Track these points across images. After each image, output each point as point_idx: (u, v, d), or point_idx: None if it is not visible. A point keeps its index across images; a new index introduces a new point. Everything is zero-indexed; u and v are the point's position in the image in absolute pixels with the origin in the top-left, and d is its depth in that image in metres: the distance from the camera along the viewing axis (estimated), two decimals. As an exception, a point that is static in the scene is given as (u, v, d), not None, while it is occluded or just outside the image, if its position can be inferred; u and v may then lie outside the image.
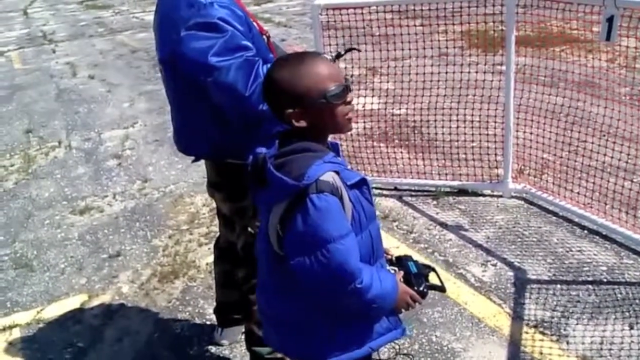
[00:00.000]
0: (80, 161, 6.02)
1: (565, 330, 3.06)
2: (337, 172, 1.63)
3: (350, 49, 2.65)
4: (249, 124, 2.27)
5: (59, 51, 12.03)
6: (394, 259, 1.98)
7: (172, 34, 2.24)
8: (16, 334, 3.48)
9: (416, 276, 1.90)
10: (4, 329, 3.52)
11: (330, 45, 4.62)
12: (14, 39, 14.23)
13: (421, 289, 1.88)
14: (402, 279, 1.87)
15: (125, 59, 10.65)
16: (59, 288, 3.88)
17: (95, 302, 3.69)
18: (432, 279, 1.96)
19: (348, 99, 1.70)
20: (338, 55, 2.58)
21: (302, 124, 1.66)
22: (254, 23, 2.38)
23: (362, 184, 1.71)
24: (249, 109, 2.20)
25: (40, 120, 7.52)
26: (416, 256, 2.03)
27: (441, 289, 1.99)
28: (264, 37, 2.43)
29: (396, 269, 1.92)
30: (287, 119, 1.66)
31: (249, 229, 2.59)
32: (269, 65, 2.20)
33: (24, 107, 8.20)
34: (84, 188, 5.37)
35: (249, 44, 2.22)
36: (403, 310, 1.87)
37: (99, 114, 7.56)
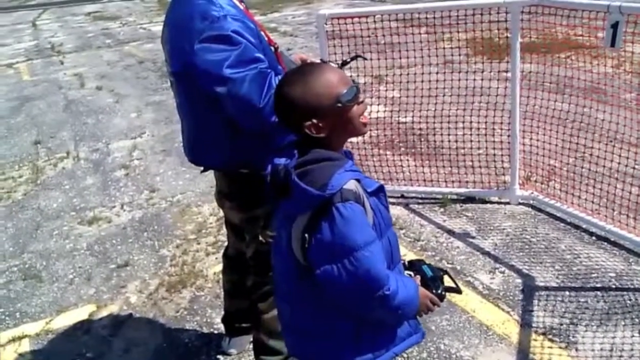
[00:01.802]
0: (89, 172, 6.06)
1: (574, 337, 3.04)
2: (358, 180, 1.65)
3: (355, 57, 2.66)
4: (261, 135, 2.28)
5: (67, 62, 12.11)
6: (406, 263, 1.98)
7: (185, 46, 2.24)
8: (25, 344, 3.49)
9: (432, 280, 1.90)
10: (13, 340, 3.53)
11: (335, 54, 4.65)
12: (23, 50, 14.35)
13: (439, 292, 1.89)
14: (419, 283, 1.87)
15: (132, 70, 10.71)
16: (68, 298, 3.90)
17: (104, 313, 3.71)
18: (446, 281, 1.96)
19: (361, 99, 1.73)
20: (344, 63, 2.59)
21: (322, 133, 1.67)
22: (264, 34, 2.39)
23: (379, 191, 1.74)
24: (262, 120, 2.21)
25: (49, 131, 7.58)
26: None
27: (457, 290, 2.00)
28: (272, 48, 2.45)
29: (411, 273, 1.93)
30: (306, 132, 1.67)
31: (260, 238, 2.59)
32: (279, 77, 2.22)
33: (33, 119, 8.26)
34: (92, 198, 5.40)
35: (261, 55, 2.23)
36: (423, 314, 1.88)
37: (106, 125, 7.60)
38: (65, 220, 5.03)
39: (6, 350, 3.46)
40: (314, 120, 1.66)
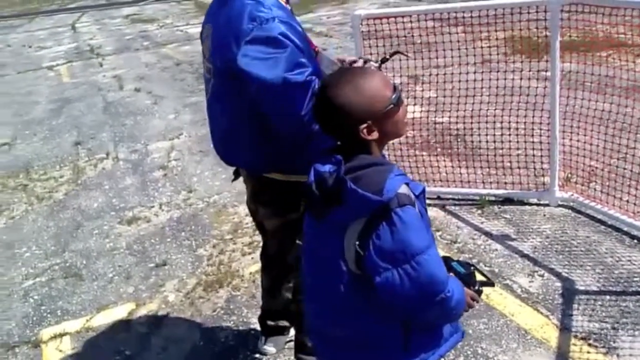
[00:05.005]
0: (128, 172, 6.16)
1: (615, 342, 2.98)
2: (407, 184, 1.64)
3: (395, 53, 2.64)
4: (294, 140, 2.28)
5: (106, 65, 12.33)
6: None
7: (230, 45, 2.23)
8: (66, 341, 3.57)
9: (467, 276, 1.88)
10: (54, 337, 3.61)
11: (371, 54, 4.63)
12: (63, 53, 14.65)
13: (477, 287, 1.87)
14: None
15: (170, 72, 10.85)
16: (107, 297, 3.97)
17: (143, 311, 3.76)
18: (477, 276, 1.94)
19: (403, 100, 1.74)
20: (384, 60, 2.57)
21: (374, 135, 1.67)
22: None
23: (422, 194, 1.72)
24: (301, 128, 2.20)
25: (89, 132, 7.72)
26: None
27: (490, 283, 1.98)
28: (314, 51, 2.44)
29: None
30: (356, 136, 1.66)
31: (298, 241, 2.58)
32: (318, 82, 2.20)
33: (73, 120, 8.43)
34: (131, 199, 5.49)
35: (305, 61, 2.20)
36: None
37: (145, 126, 7.72)
38: (105, 219, 5.12)
39: (48, 347, 3.54)
40: (367, 123, 1.65)
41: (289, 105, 2.17)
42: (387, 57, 2.58)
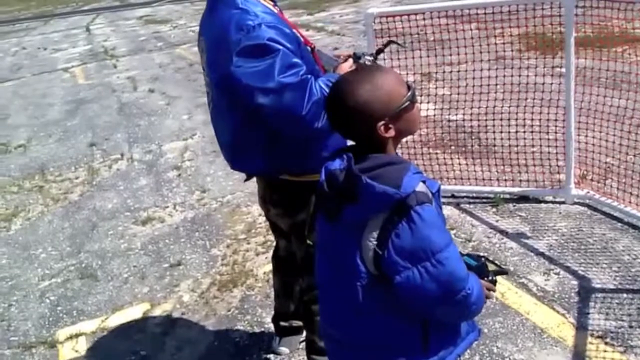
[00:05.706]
0: (142, 173, 6.19)
1: (632, 341, 2.94)
2: (424, 182, 1.63)
3: (389, 43, 2.62)
4: (300, 141, 2.29)
5: (120, 66, 12.40)
6: None
7: (223, 58, 2.23)
8: (82, 342, 3.59)
9: (480, 268, 1.86)
10: (70, 337, 3.64)
11: (384, 52, 4.61)
12: (77, 55, 14.76)
13: (491, 278, 1.85)
14: None
15: (183, 72, 10.89)
16: (123, 297, 3.99)
17: (158, 311, 3.78)
18: (490, 266, 1.92)
19: (417, 97, 1.73)
20: (379, 51, 2.56)
21: (391, 133, 1.66)
22: (300, 36, 2.37)
23: (437, 192, 1.71)
24: (305, 128, 2.20)
25: (103, 133, 7.77)
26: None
27: (503, 272, 1.96)
28: (309, 48, 2.43)
29: None
30: (376, 133, 1.64)
31: (308, 241, 2.58)
32: (320, 81, 2.21)
33: (88, 121, 8.49)
34: (145, 199, 5.51)
35: (299, 61, 2.21)
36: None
37: (159, 127, 7.75)
38: (120, 220, 5.15)
39: (64, 347, 3.57)
40: (385, 120, 1.64)
41: (289, 107, 2.17)
42: (382, 47, 2.57)
